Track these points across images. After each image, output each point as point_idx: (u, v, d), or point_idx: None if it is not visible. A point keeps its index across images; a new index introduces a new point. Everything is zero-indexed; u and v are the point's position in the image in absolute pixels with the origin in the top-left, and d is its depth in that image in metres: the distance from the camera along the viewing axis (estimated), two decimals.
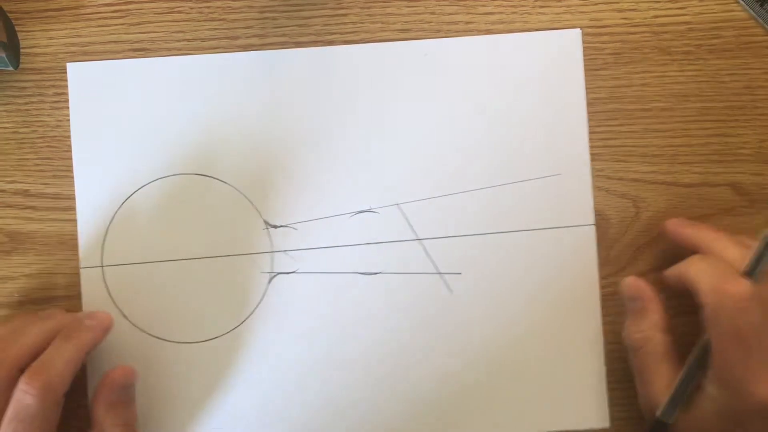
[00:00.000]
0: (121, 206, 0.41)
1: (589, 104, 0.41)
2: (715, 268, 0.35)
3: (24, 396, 0.33)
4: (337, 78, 0.41)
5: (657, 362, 0.36)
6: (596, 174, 0.41)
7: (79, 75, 0.41)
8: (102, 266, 0.40)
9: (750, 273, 0.34)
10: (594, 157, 0.41)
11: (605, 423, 0.40)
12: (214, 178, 0.41)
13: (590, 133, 0.41)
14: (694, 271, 0.35)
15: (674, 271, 0.37)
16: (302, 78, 0.41)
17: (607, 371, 0.40)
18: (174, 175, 0.41)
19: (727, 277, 0.34)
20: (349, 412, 0.40)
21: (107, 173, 0.41)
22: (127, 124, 0.41)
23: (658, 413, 0.35)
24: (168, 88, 0.41)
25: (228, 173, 0.41)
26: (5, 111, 0.41)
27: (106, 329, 0.38)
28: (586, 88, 0.41)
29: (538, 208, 0.40)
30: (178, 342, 0.40)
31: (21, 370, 0.34)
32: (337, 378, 0.40)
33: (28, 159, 0.41)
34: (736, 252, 0.35)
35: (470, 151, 0.41)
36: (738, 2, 0.41)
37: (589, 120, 0.41)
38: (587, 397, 0.40)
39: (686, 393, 0.35)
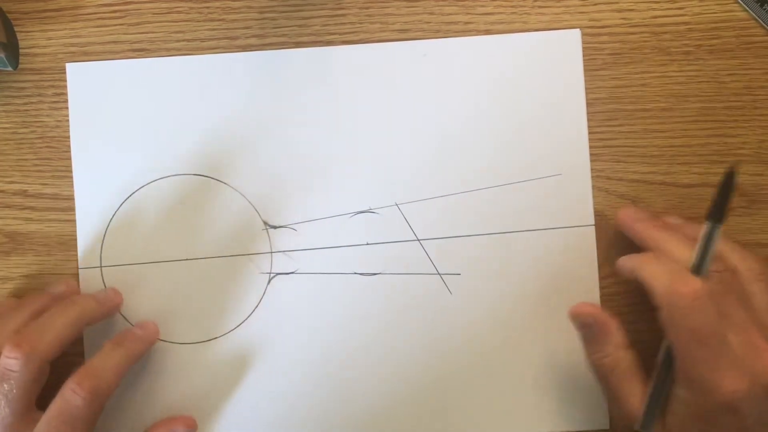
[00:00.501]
0: (119, 207, 0.41)
1: (589, 104, 0.41)
2: (667, 268, 0.34)
3: (73, 396, 0.34)
4: (336, 78, 0.41)
5: (630, 379, 0.36)
6: (596, 174, 0.41)
7: (79, 75, 0.41)
8: (101, 267, 0.40)
9: (698, 269, 0.34)
10: (594, 157, 0.41)
11: (604, 424, 0.40)
12: (214, 178, 0.41)
13: (590, 133, 0.41)
14: (648, 273, 0.35)
15: (628, 265, 0.36)
16: (301, 78, 0.41)
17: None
18: (173, 175, 0.41)
19: (678, 277, 0.33)
20: (348, 412, 0.40)
21: (106, 174, 0.41)
22: (126, 124, 0.41)
23: (636, 427, 0.35)
24: (167, 89, 0.41)
25: (227, 174, 0.41)
26: (4, 111, 0.41)
27: (153, 342, 0.39)
28: (586, 89, 0.41)
29: (538, 209, 0.40)
30: (177, 343, 0.40)
31: (49, 362, 0.35)
32: (337, 378, 0.40)
33: (27, 159, 0.41)
34: (684, 250, 0.35)
35: (470, 152, 0.41)
36: (738, 2, 0.40)
37: (589, 120, 0.41)
38: (586, 398, 0.40)
39: (660, 401, 0.35)
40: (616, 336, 0.36)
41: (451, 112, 0.41)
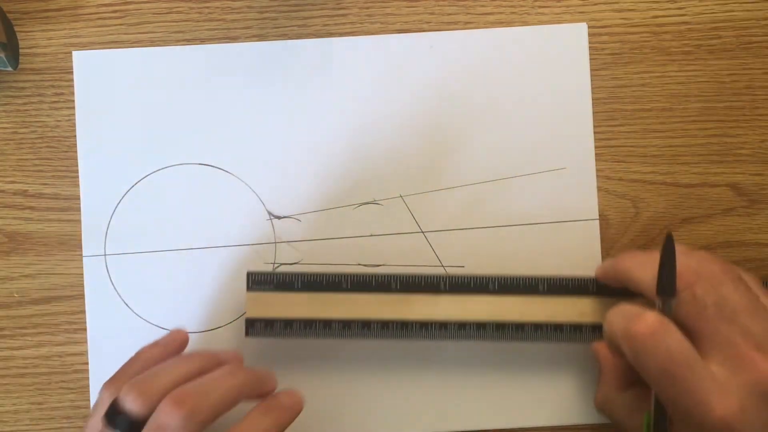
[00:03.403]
0: (124, 195, 0.41)
1: None
2: (620, 315, 0.33)
3: None
4: (342, 69, 0.41)
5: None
6: (596, 174, 0.41)
7: (85, 63, 0.41)
8: (105, 255, 0.40)
9: (664, 291, 0.33)
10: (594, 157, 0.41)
11: (601, 418, 0.40)
12: (219, 168, 0.41)
13: None
14: (608, 324, 0.34)
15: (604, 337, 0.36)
16: (307, 69, 0.41)
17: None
18: (178, 165, 0.41)
19: (632, 318, 0.32)
20: (349, 404, 0.40)
21: (111, 162, 0.41)
22: (131, 113, 0.41)
23: None
24: (174, 78, 0.41)
25: (232, 164, 0.41)
26: (4, 111, 0.41)
27: (299, 412, 0.35)
28: None
29: (543, 202, 0.40)
30: None
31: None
32: (339, 369, 0.40)
33: (27, 159, 0.41)
34: (649, 277, 0.34)
35: (475, 144, 0.41)
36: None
37: None
38: (585, 391, 0.40)
39: None
40: (608, 375, 0.37)
41: (456, 104, 0.41)
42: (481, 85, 0.41)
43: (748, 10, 0.41)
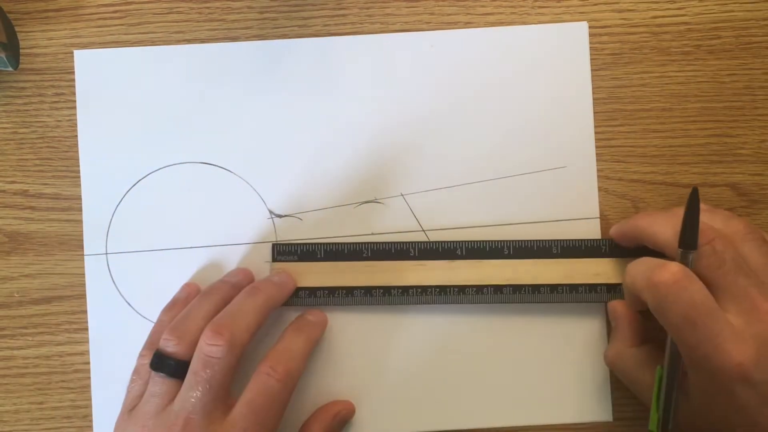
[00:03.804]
0: (126, 194, 0.41)
1: None
2: (644, 265, 0.34)
3: (269, 380, 0.35)
4: (342, 68, 0.41)
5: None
6: (597, 173, 0.41)
7: (86, 62, 0.41)
8: (106, 253, 0.41)
9: (686, 245, 0.34)
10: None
11: (608, 416, 0.40)
12: (220, 167, 0.41)
13: None
14: (630, 277, 0.35)
15: (626, 281, 0.37)
16: (308, 68, 0.41)
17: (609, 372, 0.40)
18: (180, 163, 0.41)
19: (655, 268, 0.33)
20: (359, 404, 0.40)
21: (113, 160, 0.41)
22: (133, 111, 0.41)
23: (651, 427, 0.35)
24: (175, 77, 0.41)
25: (233, 162, 0.41)
26: (5, 111, 0.41)
27: (325, 327, 0.40)
28: None
29: (544, 201, 0.40)
30: None
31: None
32: (338, 365, 0.40)
33: (27, 159, 0.41)
34: (670, 228, 0.35)
35: (476, 143, 0.41)
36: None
37: None
38: (590, 390, 0.40)
39: (672, 397, 0.34)
40: (622, 332, 0.38)
41: (457, 103, 0.41)
42: (482, 84, 0.41)
43: (748, 10, 0.41)
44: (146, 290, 0.40)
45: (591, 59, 0.41)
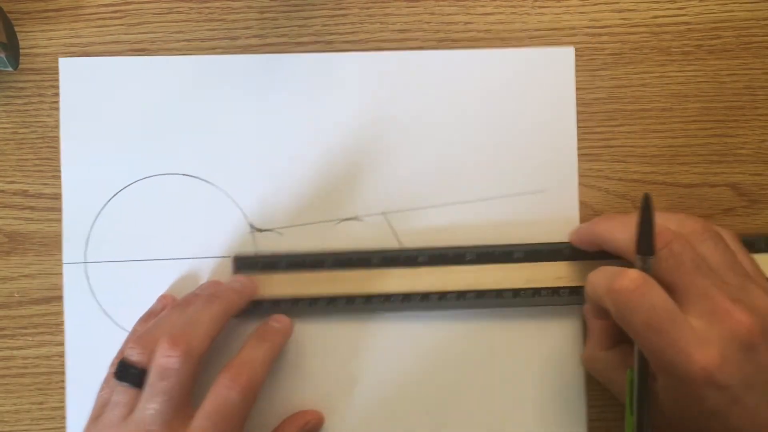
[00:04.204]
0: (107, 203, 0.41)
1: (589, 104, 0.41)
2: (603, 273, 0.34)
3: (229, 392, 0.35)
4: (325, 85, 0.41)
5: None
6: (596, 174, 0.41)
7: (71, 70, 0.41)
8: (85, 263, 0.40)
9: (643, 250, 0.33)
10: (594, 157, 0.41)
11: (582, 428, 0.40)
12: (202, 179, 0.41)
13: (590, 133, 0.41)
14: (591, 286, 0.35)
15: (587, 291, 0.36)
16: (292, 84, 0.41)
17: (585, 376, 0.40)
18: (161, 174, 0.41)
19: (614, 276, 0.33)
20: (328, 414, 0.40)
21: (94, 170, 0.41)
22: (116, 121, 0.41)
23: (627, 431, 0.35)
24: (158, 88, 0.41)
25: (215, 175, 0.41)
26: (4, 111, 0.41)
27: (290, 335, 0.40)
28: (586, 89, 0.41)
29: (523, 224, 0.40)
30: None
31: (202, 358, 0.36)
32: (305, 375, 0.40)
33: (27, 159, 0.41)
34: (629, 238, 0.35)
35: (458, 165, 0.40)
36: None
37: (589, 120, 0.41)
38: (565, 403, 0.40)
39: (646, 405, 0.34)
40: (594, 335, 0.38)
41: (440, 124, 0.41)
42: (465, 106, 0.40)
43: (748, 10, 0.41)
44: (125, 300, 0.40)
45: (591, 59, 0.41)
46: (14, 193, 0.41)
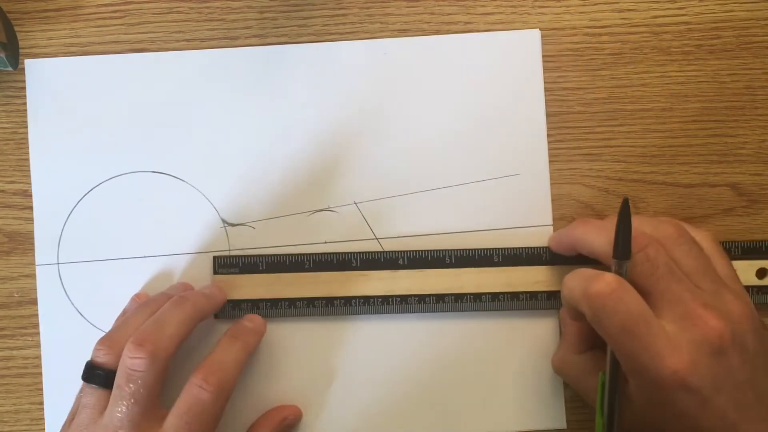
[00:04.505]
0: (78, 203, 0.40)
1: (589, 104, 0.41)
2: (579, 277, 0.34)
3: (200, 392, 0.34)
4: (292, 77, 0.41)
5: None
6: (596, 174, 0.41)
7: (37, 71, 0.41)
8: (58, 263, 0.40)
9: (619, 254, 0.34)
10: (594, 157, 0.41)
11: (562, 423, 0.40)
12: (172, 176, 0.41)
13: (590, 133, 0.41)
14: (567, 291, 0.35)
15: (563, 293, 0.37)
16: (259, 77, 0.41)
17: None
18: (132, 172, 0.41)
19: (590, 279, 0.33)
20: (306, 410, 0.40)
21: (64, 169, 0.41)
22: (84, 121, 0.41)
23: None
24: (126, 86, 0.41)
25: (186, 172, 0.41)
26: (4, 111, 0.41)
27: (263, 334, 0.39)
28: (586, 89, 0.41)
29: (497, 209, 0.40)
30: None
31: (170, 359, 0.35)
32: (284, 374, 0.40)
33: (27, 159, 0.41)
34: (605, 242, 0.35)
35: (429, 151, 0.40)
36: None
37: (589, 120, 0.41)
38: (544, 397, 0.40)
39: (616, 404, 0.34)
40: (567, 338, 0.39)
41: (410, 111, 0.41)
42: (435, 92, 0.41)
43: (748, 10, 0.41)
44: (100, 300, 0.40)
45: (591, 59, 0.41)
46: (14, 193, 0.41)
